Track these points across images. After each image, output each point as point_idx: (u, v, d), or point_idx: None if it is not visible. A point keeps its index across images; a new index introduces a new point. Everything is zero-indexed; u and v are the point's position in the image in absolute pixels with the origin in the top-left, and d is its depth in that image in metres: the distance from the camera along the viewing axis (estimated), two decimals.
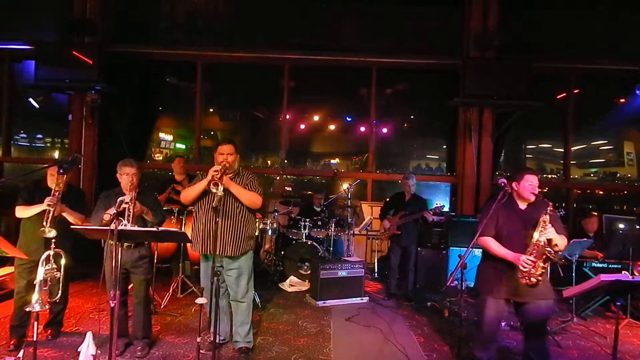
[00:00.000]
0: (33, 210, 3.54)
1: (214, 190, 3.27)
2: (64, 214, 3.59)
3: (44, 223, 3.36)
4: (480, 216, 3.35)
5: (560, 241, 3.04)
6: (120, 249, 3.44)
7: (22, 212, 3.61)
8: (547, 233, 2.96)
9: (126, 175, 3.54)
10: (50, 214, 3.39)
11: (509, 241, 3.11)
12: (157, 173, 8.32)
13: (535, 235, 2.97)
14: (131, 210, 3.23)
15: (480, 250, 3.31)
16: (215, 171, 3.37)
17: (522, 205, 3.21)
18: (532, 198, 3.14)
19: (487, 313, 3.19)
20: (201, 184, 3.47)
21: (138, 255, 3.59)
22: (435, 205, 5.56)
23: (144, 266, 3.64)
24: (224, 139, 3.79)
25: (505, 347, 4.13)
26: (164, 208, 4.66)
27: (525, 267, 2.95)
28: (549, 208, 2.99)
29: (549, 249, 2.95)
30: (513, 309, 3.30)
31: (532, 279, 2.95)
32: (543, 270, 2.96)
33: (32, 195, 3.63)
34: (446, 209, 7.16)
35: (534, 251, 2.96)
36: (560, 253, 3.11)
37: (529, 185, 3.13)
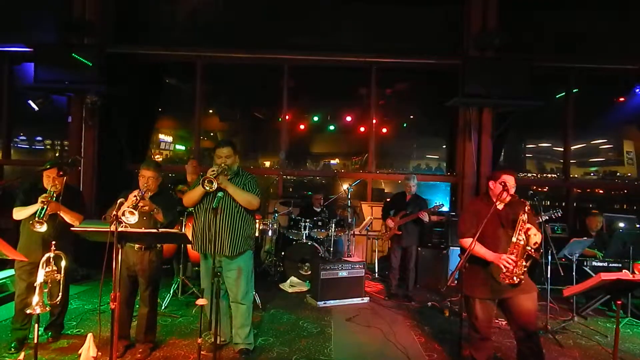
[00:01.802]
0: (29, 211, 3.54)
1: (207, 188, 3.33)
2: (62, 213, 3.59)
3: (35, 217, 3.36)
4: (460, 217, 3.40)
5: (538, 236, 3.07)
6: (128, 250, 3.48)
7: (19, 213, 3.61)
8: (532, 235, 2.98)
9: (142, 177, 3.57)
10: (44, 211, 3.39)
11: (491, 242, 3.13)
12: None
13: (516, 235, 3.00)
14: (138, 203, 3.22)
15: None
16: (212, 171, 3.42)
17: (500, 205, 3.22)
18: (507, 198, 3.16)
19: (477, 315, 3.20)
20: (200, 186, 3.48)
21: (148, 259, 3.59)
22: (435, 205, 5.57)
23: (153, 271, 3.63)
24: (221, 141, 3.76)
25: (507, 347, 4.13)
26: None
27: (506, 267, 2.97)
28: (526, 207, 3.02)
29: (529, 247, 2.98)
30: (499, 308, 3.28)
31: (514, 278, 2.98)
32: (525, 269, 2.99)
33: (28, 196, 3.63)
34: (446, 208, 7.16)
35: (515, 250, 2.99)
36: (541, 251, 3.13)
37: (502, 185, 3.16)
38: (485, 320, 3.22)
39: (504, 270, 2.99)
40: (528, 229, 2.98)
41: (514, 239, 3.00)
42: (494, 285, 3.11)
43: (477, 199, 3.35)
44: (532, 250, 2.97)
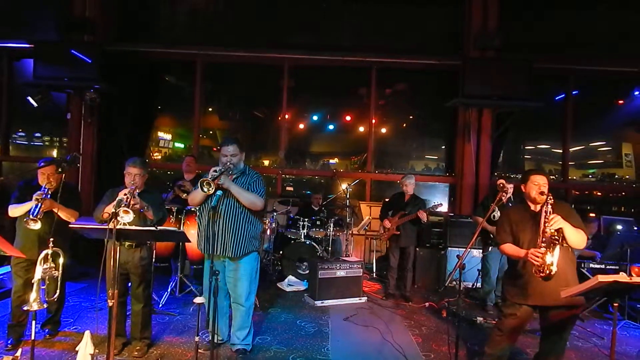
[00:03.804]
0: (24, 208, 3.52)
1: (205, 190, 3.24)
2: (57, 210, 3.57)
3: (29, 216, 3.35)
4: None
5: (574, 234, 2.94)
6: (119, 248, 3.46)
7: (14, 210, 3.60)
8: (553, 223, 2.89)
9: (128, 175, 3.53)
10: (38, 208, 3.38)
11: (528, 246, 3.06)
12: (155, 172, 8.30)
13: (541, 227, 2.93)
14: (129, 202, 3.20)
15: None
16: (214, 171, 3.36)
17: (534, 208, 3.17)
18: (539, 199, 3.09)
19: (508, 317, 3.12)
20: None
21: (139, 256, 3.57)
22: (433, 204, 5.55)
23: (144, 267, 3.61)
24: (227, 138, 3.66)
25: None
26: (167, 207, 4.66)
27: (536, 260, 2.88)
28: (549, 198, 2.95)
29: (555, 237, 2.88)
30: (538, 313, 3.20)
31: (546, 270, 2.87)
32: (554, 260, 2.87)
33: (23, 194, 3.61)
34: (444, 209, 7.17)
35: (542, 243, 2.90)
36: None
37: (534, 186, 3.10)
38: (514, 324, 3.13)
39: (534, 263, 2.89)
40: (551, 219, 2.90)
41: (539, 231, 2.92)
42: (531, 291, 3.03)
43: (515, 205, 3.28)
44: (559, 239, 2.88)
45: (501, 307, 3.27)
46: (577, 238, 2.97)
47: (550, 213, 2.93)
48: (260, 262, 6.48)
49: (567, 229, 2.92)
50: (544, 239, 2.91)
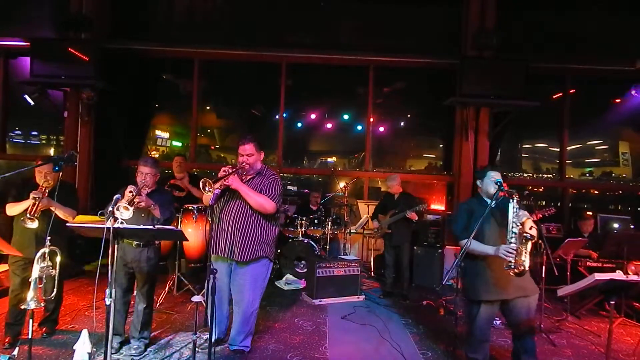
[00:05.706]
0: (21, 206, 3.50)
1: (204, 190, 3.22)
2: (54, 209, 3.55)
3: (27, 214, 3.34)
4: (454, 219, 3.41)
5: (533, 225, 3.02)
6: (120, 246, 3.46)
7: (12, 209, 3.58)
8: (520, 216, 2.96)
9: (140, 174, 3.53)
10: (35, 207, 3.37)
11: (489, 241, 3.11)
12: None
13: (510, 223, 2.94)
14: (134, 199, 3.20)
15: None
16: (224, 171, 3.33)
17: (492, 203, 3.20)
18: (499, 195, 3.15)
19: (478, 317, 3.18)
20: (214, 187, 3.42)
21: (146, 256, 3.56)
22: (420, 206, 5.48)
23: (150, 267, 3.60)
24: (244, 137, 3.50)
25: (500, 346, 4.15)
26: None
27: (508, 256, 2.89)
28: (514, 196, 2.98)
29: (526, 233, 2.92)
30: (499, 309, 3.25)
31: (520, 266, 2.89)
32: (527, 256, 2.90)
33: (21, 192, 3.60)
34: (439, 207, 7.20)
35: (513, 238, 2.93)
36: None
37: (492, 181, 3.21)
38: (486, 323, 3.21)
39: (507, 260, 2.90)
40: (526, 219, 2.95)
41: (508, 228, 2.94)
42: (499, 286, 3.08)
43: (469, 200, 3.40)
44: (530, 236, 2.91)
45: (470, 310, 3.26)
46: (533, 228, 3.05)
47: (517, 210, 2.95)
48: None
49: (528, 221, 2.99)
50: (513, 235, 2.93)
